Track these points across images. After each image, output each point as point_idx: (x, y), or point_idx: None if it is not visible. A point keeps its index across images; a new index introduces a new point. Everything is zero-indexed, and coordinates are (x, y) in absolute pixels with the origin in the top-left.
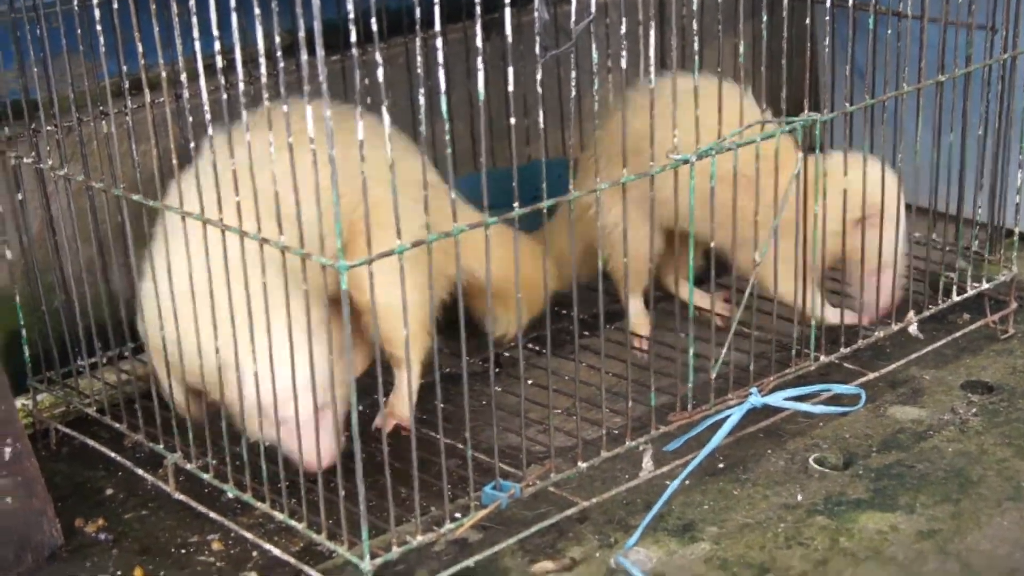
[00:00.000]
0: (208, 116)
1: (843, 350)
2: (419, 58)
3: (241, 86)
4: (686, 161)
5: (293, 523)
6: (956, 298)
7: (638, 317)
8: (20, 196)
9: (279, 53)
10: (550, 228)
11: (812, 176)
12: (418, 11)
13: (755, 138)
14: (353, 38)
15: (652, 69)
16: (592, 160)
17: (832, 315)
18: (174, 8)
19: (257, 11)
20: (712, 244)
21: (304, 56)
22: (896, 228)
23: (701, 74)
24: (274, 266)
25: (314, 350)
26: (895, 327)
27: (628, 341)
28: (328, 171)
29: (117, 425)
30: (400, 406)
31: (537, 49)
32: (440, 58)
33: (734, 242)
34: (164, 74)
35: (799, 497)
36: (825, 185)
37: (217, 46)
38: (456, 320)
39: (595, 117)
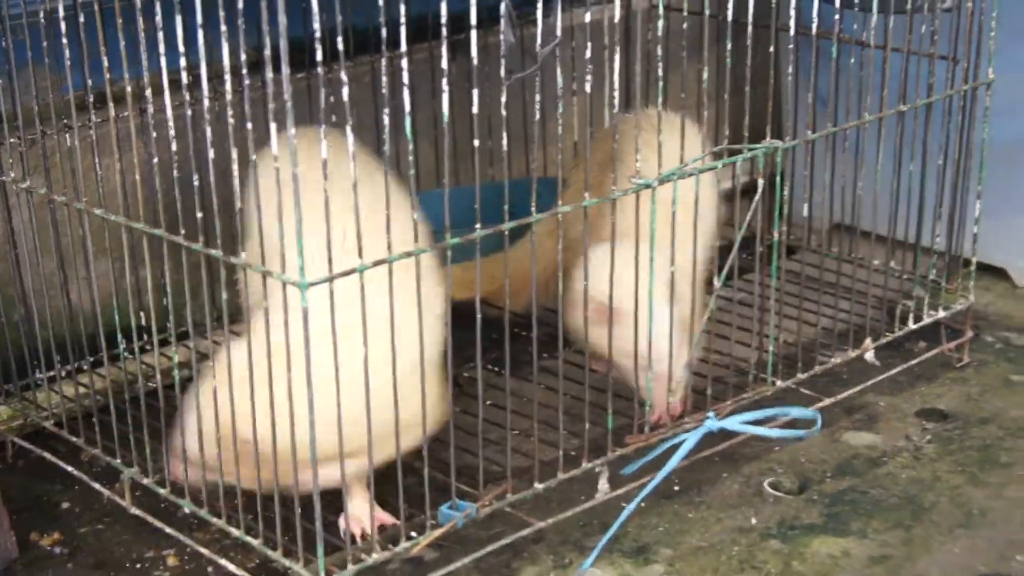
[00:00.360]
0: (172, 132)
1: (800, 376)
2: (384, 77)
3: (206, 102)
4: (648, 186)
5: (249, 539)
6: (913, 326)
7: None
8: None
9: (245, 70)
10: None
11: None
12: (384, 31)
13: (716, 164)
14: (319, 56)
15: (616, 94)
16: (581, 175)
17: None
18: (140, 23)
19: (223, 28)
20: (672, 270)
21: (270, 73)
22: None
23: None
24: None
25: None
26: (852, 354)
27: (587, 363)
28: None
29: (74, 439)
30: None
31: (502, 71)
32: (406, 78)
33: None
34: (129, 88)
35: (753, 521)
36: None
37: (183, 62)
38: None
39: (558, 141)
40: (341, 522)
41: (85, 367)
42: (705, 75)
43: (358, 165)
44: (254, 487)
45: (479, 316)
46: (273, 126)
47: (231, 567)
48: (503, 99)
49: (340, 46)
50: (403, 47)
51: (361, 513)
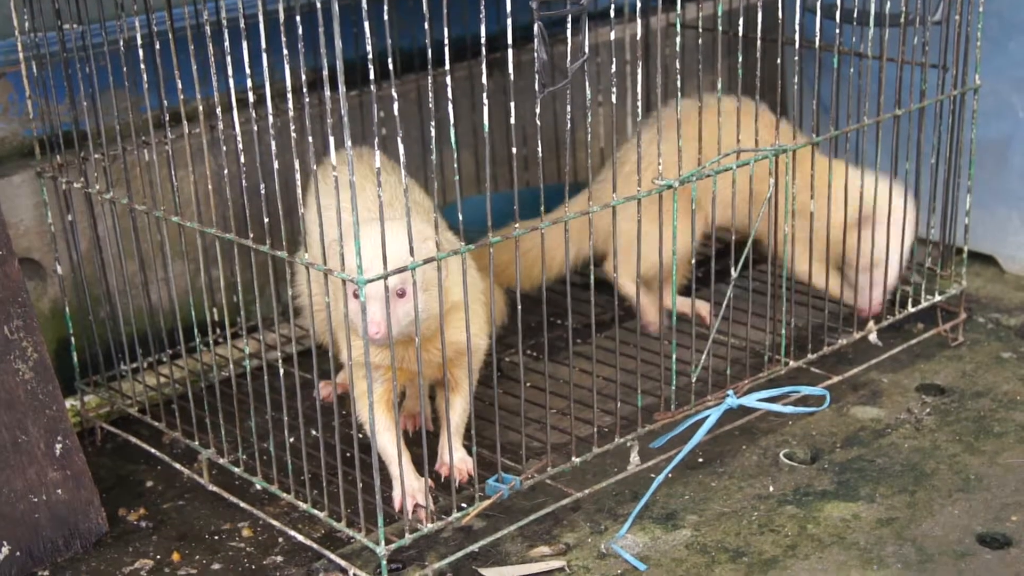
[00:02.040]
0: (240, 146)
1: (810, 356)
2: (430, 93)
3: (270, 119)
4: (670, 186)
5: (315, 512)
6: (911, 309)
7: (649, 306)
8: (70, 217)
9: (304, 89)
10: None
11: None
12: (429, 51)
13: (731, 165)
14: (371, 76)
15: (639, 104)
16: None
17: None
18: (210, 48)
19: (284, 51)
20: (693, 261)
21: (327, 92)
22: (890, 231)
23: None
24: None
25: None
26: (856, 335)
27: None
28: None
29: (156, 424)
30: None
31: (536, 85)
32: (450, 93)
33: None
34: (200, 107)
35: (771, 488)
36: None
37: (248, 82)
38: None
39: (587, 147)
40: (395, 498)
41: (165, 359)
42: (719, 86)
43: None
44: None
45: (519, 307)
46: (331, 140)
47: (299, 537)
48: (537, 110)
49: (390, 66)
50: (447, 66)
51: (413, 486)
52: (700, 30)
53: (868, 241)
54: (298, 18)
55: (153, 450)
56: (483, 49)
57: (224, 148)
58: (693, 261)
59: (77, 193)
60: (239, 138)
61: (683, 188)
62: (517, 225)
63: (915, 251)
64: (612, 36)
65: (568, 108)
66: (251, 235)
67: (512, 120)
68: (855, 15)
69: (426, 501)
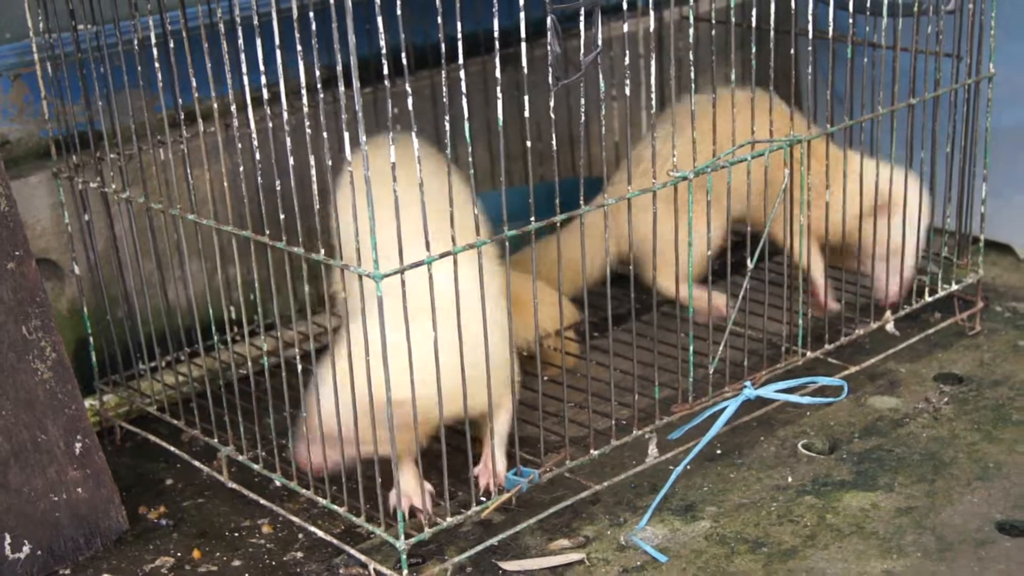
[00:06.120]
0: (255, 143)
1: (827, 347)
2: (444, 89)
3: (285, 116)
4: (684, 178)
5: (335, 507)
6: (928, 299)
7: (700, 301)
8: (87, 217)
9: (319, 86)
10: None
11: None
12: (443, 47)
13: (746, 156)
14: (385, 72)
15: (653, 97)
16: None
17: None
18: (224, 46)
19: (299, 48)
20: (709, 253)
21: (341, 88)
22: (906, 219)
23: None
24: None
25: None
26: (874, 325)
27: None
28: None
29: (175, 422)
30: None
31: (550, 79)
32: (463, 88)
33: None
34: (215, 106)
35: (789, 479)
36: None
37: (263, 80)
38: None
39: (601, 140)
40: (391, 499)
41: (183, 357)
42: (732, 77)
43: (429, 166)
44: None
45: (536, 301)
46: (346, 136)
47: (319, 533)
48: (551, 104)
49: (404, 62)
50: (461, 61)
51: (411, 489)
52: (713, 22)
53: (885, 230)
54: (311, 15)
55: (172, 448)
56: (496, 44)
57: (239, 146)
58: (709, 253)
59: (93, 193)
60: (254, 136)
61: (698, 180)
62: (532, 219)
63: (931, 240)
64: (625, 29)
65: (582, 102)
66: (267, 232)
67: (526, 115)
68: (868, 5)
69: (424, 502)
